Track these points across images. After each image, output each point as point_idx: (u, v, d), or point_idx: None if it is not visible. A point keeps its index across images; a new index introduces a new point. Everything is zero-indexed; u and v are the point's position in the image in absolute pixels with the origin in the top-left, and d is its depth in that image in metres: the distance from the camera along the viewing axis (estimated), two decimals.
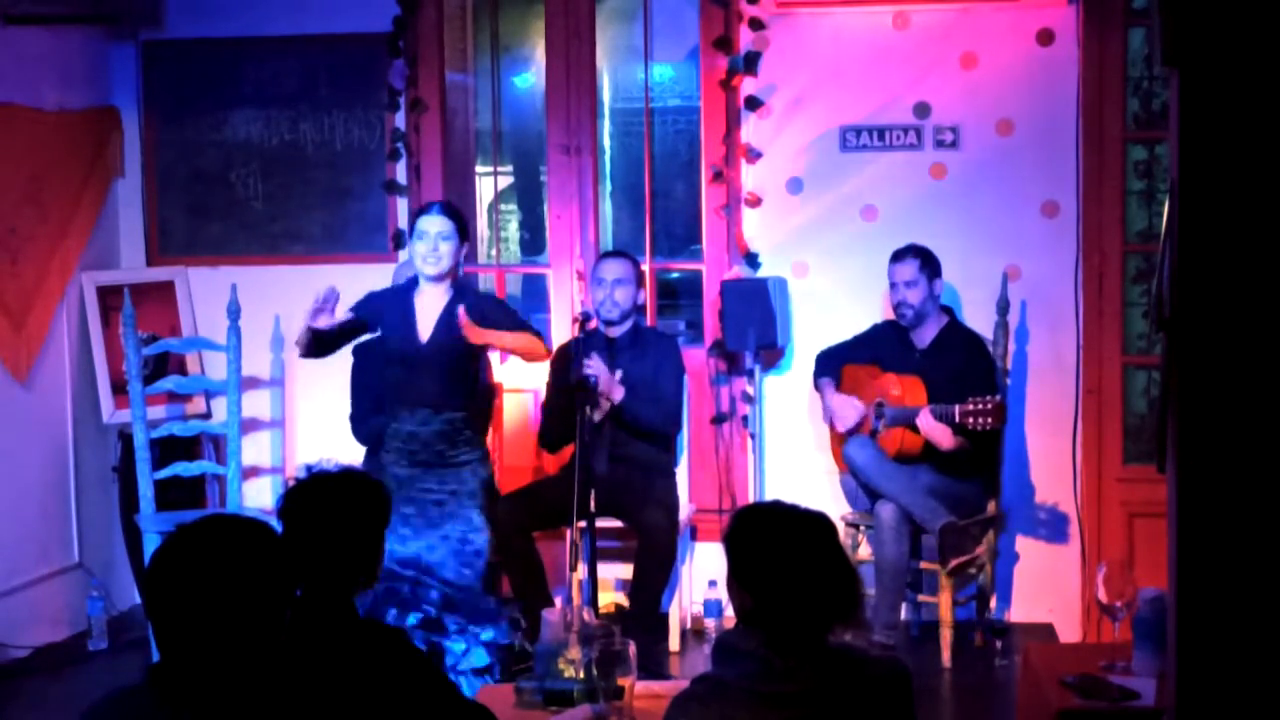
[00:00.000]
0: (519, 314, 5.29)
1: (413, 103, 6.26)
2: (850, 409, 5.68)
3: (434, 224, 5.08)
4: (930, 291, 5.62)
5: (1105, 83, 5.83)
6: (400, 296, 5.19)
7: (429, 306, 5.12)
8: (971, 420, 5.25)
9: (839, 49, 6.02)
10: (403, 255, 6.17)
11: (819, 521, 2.69)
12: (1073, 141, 5.85)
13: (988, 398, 5.26)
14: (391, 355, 5.15)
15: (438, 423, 5.06)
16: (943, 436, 5.37)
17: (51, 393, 6.02)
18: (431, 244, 5.06)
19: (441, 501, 5.06)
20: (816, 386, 5.86)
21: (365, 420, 5.70)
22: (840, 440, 5.78)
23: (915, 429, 5.42)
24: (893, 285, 5.66)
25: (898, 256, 5.65)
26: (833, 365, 5.83)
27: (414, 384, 5.09)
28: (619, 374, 5.57)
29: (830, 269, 6.08)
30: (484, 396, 5.78)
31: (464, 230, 5.14)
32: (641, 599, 5.49)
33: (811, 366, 5.90)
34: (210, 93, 6.39)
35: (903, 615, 5.65)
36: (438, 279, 5.10)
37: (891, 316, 5.76)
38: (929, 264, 5.61)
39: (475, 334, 4.98)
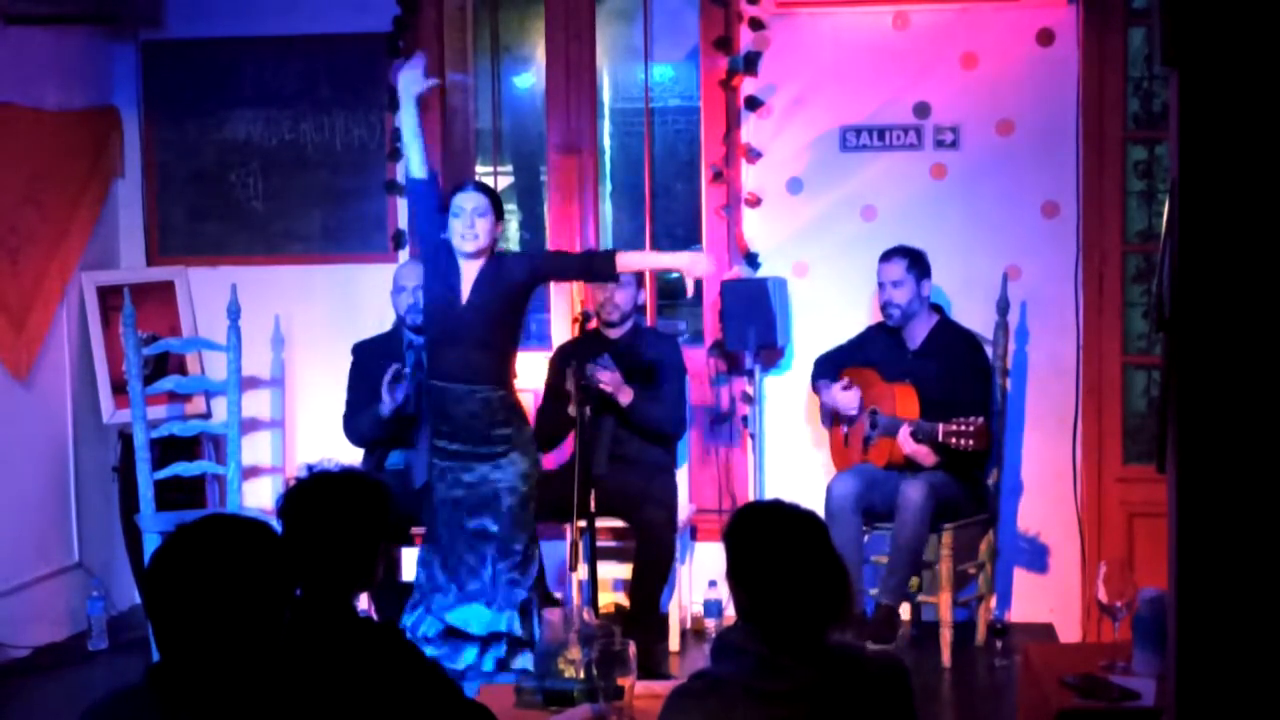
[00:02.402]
0: (565, 252, 5.23)
1: None
2: (851, 398, 5.68)
3: (470, 200, 5.01)
4: (918, 292, 5.62)
5: (1105, 83, 5.83)
6: (450, 256, 5.10)
7: (472, 268, 5.05)
8: (954, 440, 5.25)
9: (839, 49, 6.02)
10: (403, 255, 6.16)
11: (809, 520, 2.71)
12: (1073, 141, 5.85)
13: (972, 419, 5.25)
14: (431, 316, 5.12)
15: (473, 402, 5.02)
16: (924, 456, 5.38)
17: (51, 393, 6.02)
18: (468, 220, 4.99)
19: (477, 509, 5.06)
20: (815, 389, 5.86)
21: (356, 418, 5.67)
22: (838, 444, 5.79)
23: None
24: (880, 285, 5.67)
25: (886, 257, 5.65)
26: (831, 369, 5.82)
27: (449, 351, 5.04)
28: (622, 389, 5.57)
29: (830, 269, 6.08)
30: None
31: (499, 208, 5.08)
32: (640, 597, 5.49)
33: (811, 369, 5.90)
34: (210, 93, 6.38)
35: (904, 615, 5.65)
36: (474, 255, 5.04)
37: (882, 318, 5.76)
38: (917, 264, 5.62)
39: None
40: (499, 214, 5.07)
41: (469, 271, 5.07)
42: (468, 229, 4.99)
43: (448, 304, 5.05)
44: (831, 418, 5.84)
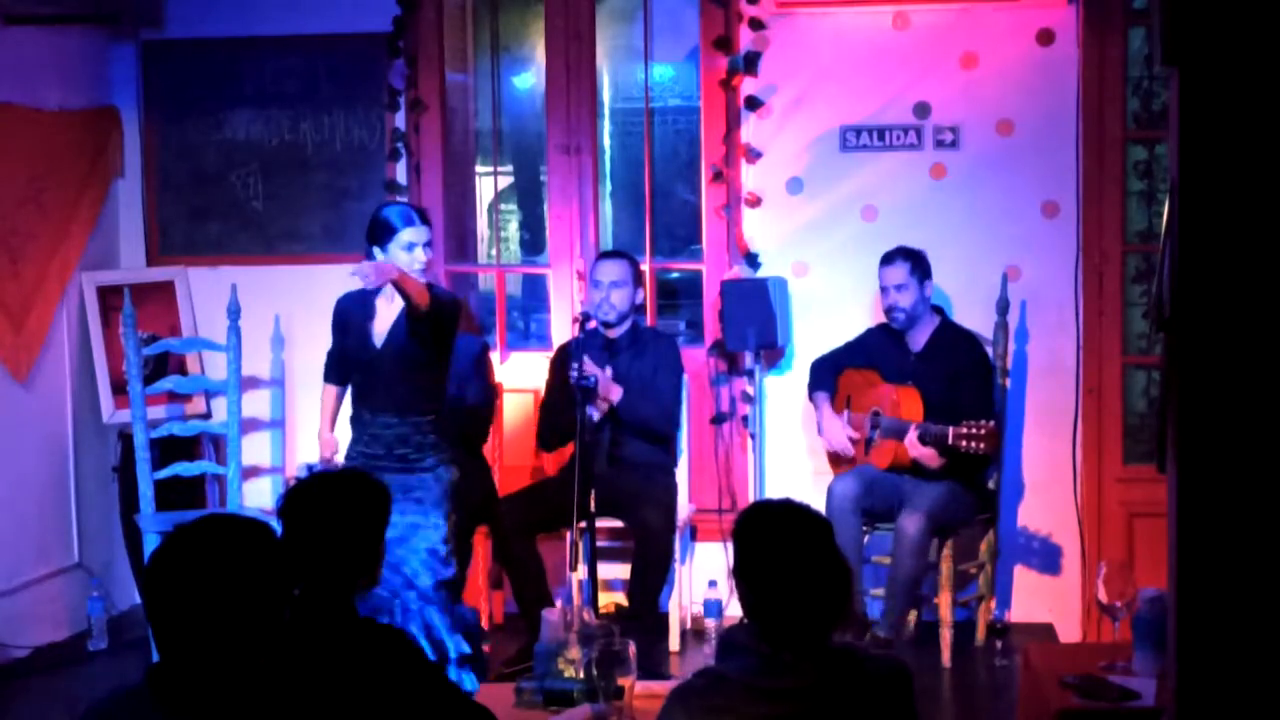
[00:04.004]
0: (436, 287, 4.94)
1: (413, 103, 6.26)
2: (839, 434, 5.67)
3: (421, 234, 4.87)
4: (921, 294, 5.61)
5: (1105, 83, 5.82)
6: (363, 302, 4.96)
7: (388, 311, 4.91)
8: (964, 443, 5.24)
9: (839, 49, 6.02)
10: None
11: (818, 521, 2.71)
12: (1073, 141, 5.85)
13: (983, 422, 5.24)
14: (352, 362, 4.99)
15: (403, 426, 4.85)
16: (930, 459, 5.37)
17: (51, 393, 6.02)
18: (423, 254, 4.86)
19: (404, 512, 4.96)
20: (811, 399, 5.86)
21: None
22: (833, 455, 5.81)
23: None
24: (883, 289, 5.66)
25: (887, 259, 5.64)
26: (827, 375, 5.81)
27: (375, 390, 4.88)
28: (608, 371, 5.55)
29: (830, 269, 6.08)
30: (485, 397, 5.78)
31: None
32: (638, 598, 5.49)
33: (809, 371, 5.90)
34: (210, 93, 6.38)
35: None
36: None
37: (883, 320, 5.75)
38: (919, 266, 5.61)
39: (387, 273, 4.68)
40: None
41: (386, 310, 4.89)
42: (421, 263, 4.82)
43: (362, 350, 4.90)
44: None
